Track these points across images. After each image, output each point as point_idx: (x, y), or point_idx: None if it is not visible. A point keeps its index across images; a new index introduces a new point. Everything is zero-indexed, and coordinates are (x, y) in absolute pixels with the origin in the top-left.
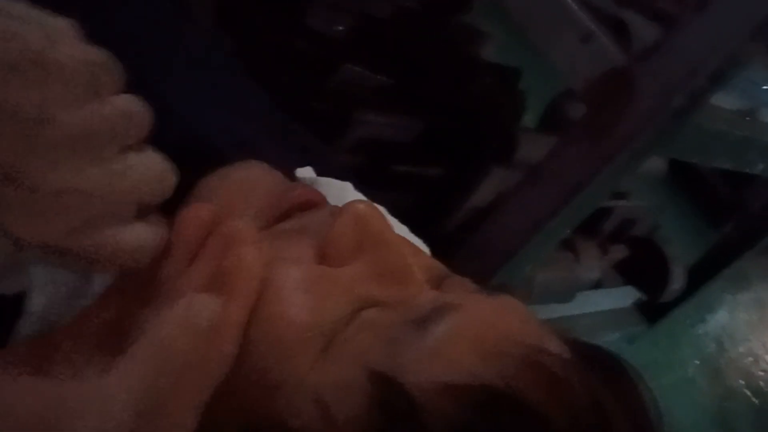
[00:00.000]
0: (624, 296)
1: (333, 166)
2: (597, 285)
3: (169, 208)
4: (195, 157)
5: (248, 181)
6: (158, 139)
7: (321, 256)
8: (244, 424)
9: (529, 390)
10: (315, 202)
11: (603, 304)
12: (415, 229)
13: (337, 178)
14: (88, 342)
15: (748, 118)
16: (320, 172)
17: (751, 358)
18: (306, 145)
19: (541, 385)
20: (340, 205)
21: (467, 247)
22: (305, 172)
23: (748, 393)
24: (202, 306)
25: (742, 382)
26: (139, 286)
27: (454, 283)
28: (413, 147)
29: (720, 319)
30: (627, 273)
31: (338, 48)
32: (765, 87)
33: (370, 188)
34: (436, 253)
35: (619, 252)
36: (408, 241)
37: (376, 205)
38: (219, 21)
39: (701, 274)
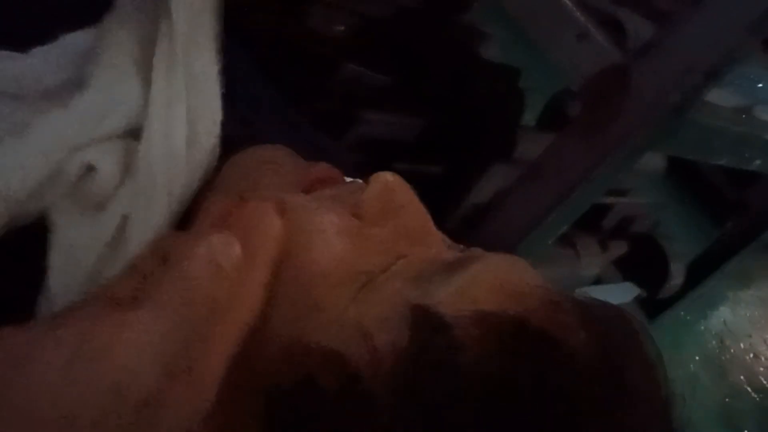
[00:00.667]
0: (624, 292)
1: (344, 164)
2: (597, 281)
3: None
4: None
5: (276, 158)
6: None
7: (354, 217)
8: (274, 373)
9: (553, 324)
10: (335, 178)
11: (603, 299)
12: None
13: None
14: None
15: (744, 116)
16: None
17: (752, 355)
18: (317, 142)
19: (561, 320)
20: None
21: (467, 243)
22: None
23: (750, 390)
24: (223, 245)
25: (743, 378)
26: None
27: (466, 247)
28: (415, 145)
29: (721, 315)
30: (627, 269)
31: (340, 48)
32: (761, 84)
33: None
34: None
35: (619, 248)
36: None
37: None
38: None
39: (701, 270)
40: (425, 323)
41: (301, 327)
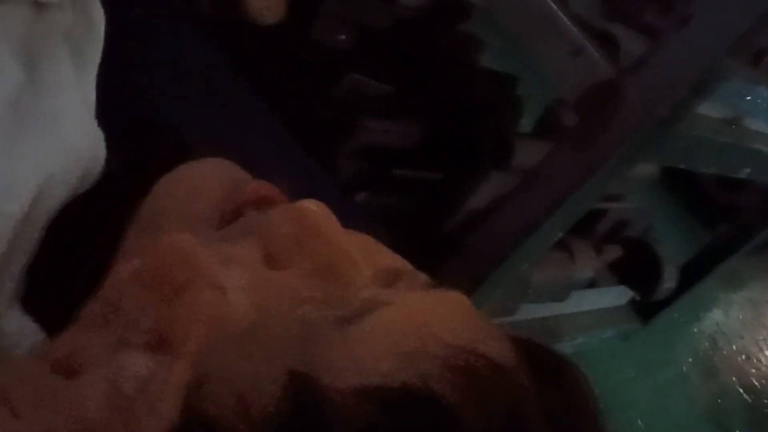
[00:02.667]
0: (618, 295)
1: (332, 187)
2: (591, 284)
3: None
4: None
5: (203, 178)
6: (153, 151)
7: (267, 256)
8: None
9: (445, 391)
10: (270, 198)
11: (597, 302)
12: (415, 231)
13: (335, 199)
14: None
15: (733, 126)
16: (319, 192)
17: (744, 356)
18: (304, 163)
19: (460, 387)
20: None
21: (466, 248)
22: None
23: (741, 390)
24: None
25: (735, 379)
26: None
27: (406, 279)
28: (414, 152)
29: (714, 317)
30: (621, 272)
31: (341, 58)
32: (749, 97)
33: (373, 192)
34: (435, 253)
35: (613, 252)
36: (362, 238)
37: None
38: (225, 33)
39: (693, 273)
40: (300, 394)
41: (190, 396)
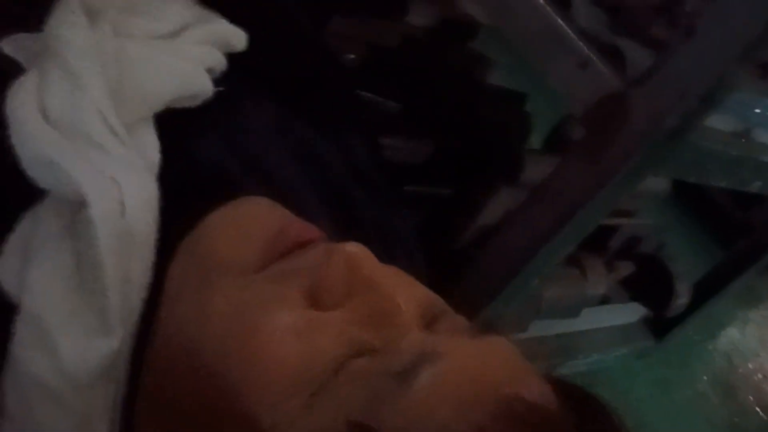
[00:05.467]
0: (631, 312)
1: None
2: (603, 301)
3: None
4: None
5: (247, 225)
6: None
7: (312, 298)
8: None
9: None
10: (313, 239)
11: (610, 319)
12: (425, 247)
13: (400, 250)
14: None
15: (743, 139)
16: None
17: (761, 375)
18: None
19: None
20: None
21: (476, 264)
22: None
23: (758, 410)
24: None
25: (752, 398)
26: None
27: (446, 321)
28: (424, 168)
29: (730, 335)
30: (633, 289)
31: (348, 76)
32: (758, 110)
33: None
34: (446, 268)
35: (625, 268)
36: (402, 276)
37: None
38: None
39: (707, 290)
40: None
41: None
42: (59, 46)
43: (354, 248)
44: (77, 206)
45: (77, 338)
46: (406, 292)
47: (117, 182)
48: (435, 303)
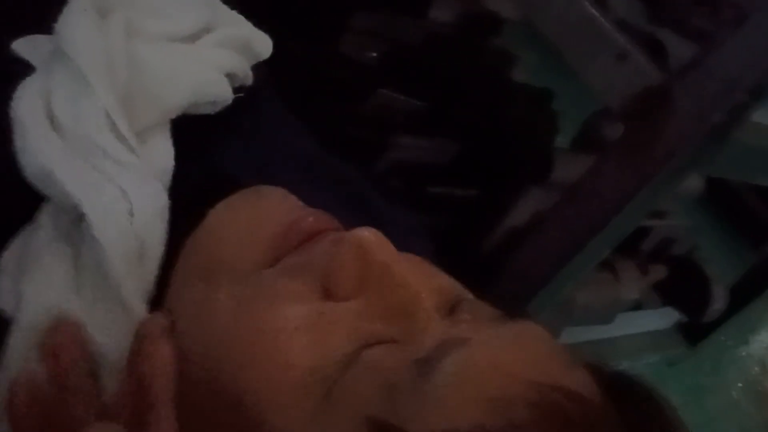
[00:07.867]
0: (664, 317)
1: (397, 220)
2: (636, 306)
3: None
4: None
5: (257, 215)
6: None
7: (325, 289)
8: None
9: None
10: (327, 229)
11: (643, 325)
12: (453, 251)
13: (402, 233)
14: None
15: None
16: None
17: None
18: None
19: (555, 429)
20: None
21: (506, 269)
22: None
23: None
24: None
25: None
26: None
27: (469, 309)
28: (449, 169)
29: (764, 340)
30: (667, 293)
31: (372, 74)
32: None
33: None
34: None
35: (658, 272)
36: (419, 263)
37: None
38: None
39: (743, 294)
40: None
41: None
42: (67, 47)
43: (367, 233)
44: (76, 216)
45: None
46: (425, 279)
47: (125, 192)
48: (458, 290)
